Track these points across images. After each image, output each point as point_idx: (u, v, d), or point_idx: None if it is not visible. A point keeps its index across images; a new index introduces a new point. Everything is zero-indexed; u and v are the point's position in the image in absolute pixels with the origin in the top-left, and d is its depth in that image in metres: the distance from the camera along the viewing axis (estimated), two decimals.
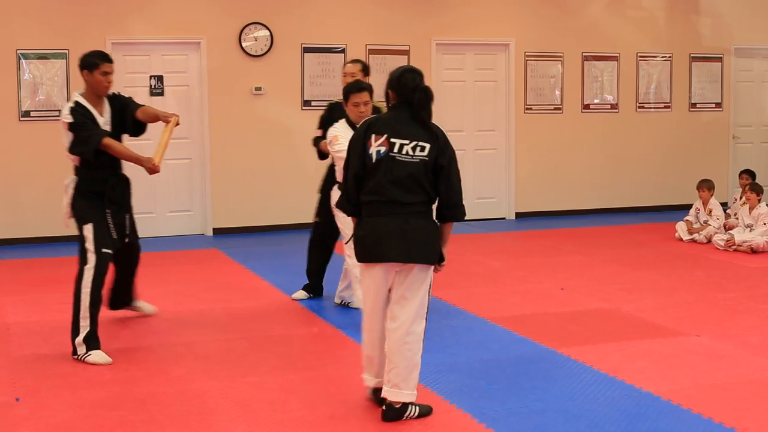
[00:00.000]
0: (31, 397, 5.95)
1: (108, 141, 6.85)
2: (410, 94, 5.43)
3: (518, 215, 14.15)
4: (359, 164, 5.45)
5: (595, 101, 14.65)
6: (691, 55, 15.08)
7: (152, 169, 6.88)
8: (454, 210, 5.48)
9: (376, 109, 7.97)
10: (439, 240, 5.46)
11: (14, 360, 6.81)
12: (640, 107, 14.89)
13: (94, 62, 6.96)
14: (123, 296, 7.74)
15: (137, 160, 6.93)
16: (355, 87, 7.57)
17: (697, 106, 15.24)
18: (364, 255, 5.48)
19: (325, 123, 8.34)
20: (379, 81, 13.28)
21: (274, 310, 8.27)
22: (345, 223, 7.41)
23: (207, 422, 5.49)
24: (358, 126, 5.79)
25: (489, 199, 14.02)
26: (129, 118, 7.10)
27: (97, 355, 6.68)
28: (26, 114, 12.07)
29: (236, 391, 6.04)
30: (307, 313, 8.21)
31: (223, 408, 5.72)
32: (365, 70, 8.44)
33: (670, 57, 14.95)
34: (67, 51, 12.11)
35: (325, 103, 13.32)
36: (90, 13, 12.21)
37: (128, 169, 7.20)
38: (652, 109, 14.97)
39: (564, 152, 14.46)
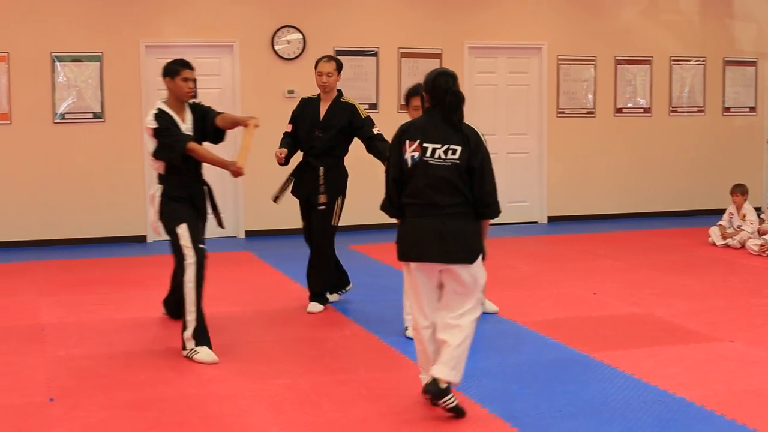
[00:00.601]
0: (66, 397, 6.00)
1: (193, 145, 6.94)
2: (442, 97, 5.53)
3: (550, 219, 14.11)
4: (397, 169, 5.62)
5: (628, 105, 14.59)
6: (725, 58, 15.00)
7: (237, 172, 6.95)
8: (487, 208, 5.58)
9: (347, 105, 8.31)
10: (479, 238, 5.59)
11: (49, 360, 6.85)
12: (673, 111, 14.82)
13: (176, 69, 7.11)
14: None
15: (222, 164, 7.02)
16: (416, 90, 7.57)
17: (731, 110, 15.16)
18: (404, 254, 5.65)
19: (296, 118, 8.46)
20: (411, 83, 13.30)
21: (304, 313, 8.28)
22: None
23: (239, 424, 5.52)
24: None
25: (521, 203, 13.99)
26: (209, 126, 7.18)
27: (204, 354, 6.74)
28: (61, 116, 12.15)
29: (268, 392, 6.06)
30: (339, 315, 8.23)
31: (255, 410, 5.75)
32: (339, 68, 8.39)
33: (703, 61, 14.88)
34: (101, 53, 12.19)
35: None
36: (124, 15, 12.28)
37: None
38: (686, 113, 14.89)
39: (596, 156, 14.42)
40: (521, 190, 14.01)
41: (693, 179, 14.91)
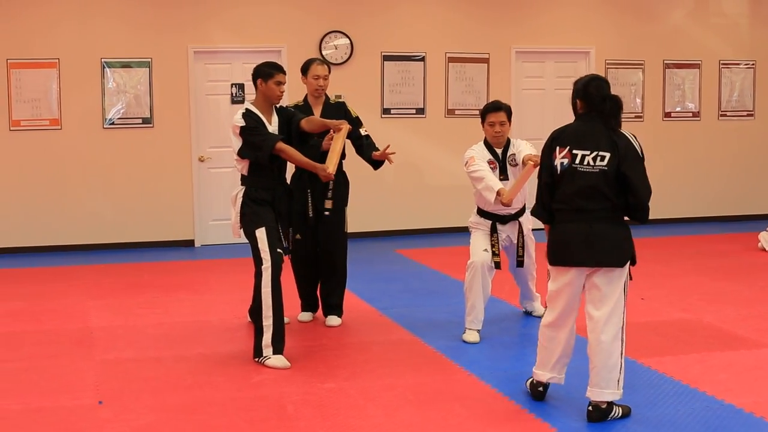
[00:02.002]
0: (114, 400, 6.05)
1: (282, 145, 6.96)
2: (600, 104, 5.61)
3: None
4: (548, 173, 5.71)
5: (677, 109, 14.49)
6: None
7: (326, 177, 6.98)
8: (636, 213, 5.65)
9: (339, 105, 8.08)
10: (628, 243, 5.65)
11: (98, 363, 6.92)
12: (722, 115, 14.69)
13: (269, 72, 7.13)
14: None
15: (311, 166, 7.04)
16: (493, 107, 7.55)
17: None
18: (554, 259, 5.71)
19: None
20: (458, 88, 13.40)
21: (353, 317, 8.29)
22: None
23: (286, 428, 5.54)
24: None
25: None
26: (294, 129, 7.20)
27: (276, 360, 6.77)
28: (110, 122, 12.26)
29: (315, 397, 6.08)
30: (386, 320, 8.23)
31: (302, 414, 5.77)
32: (329, 71, 8.20)
33: (753, 64, 14.74)
34: (150, 59, 12.29)
35: (404, 112, 13.31)
36: (173, 22, 12.38)
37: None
38: (735, 118, 14.76)
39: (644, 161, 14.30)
40: None
41: (742, 184, 14.78)
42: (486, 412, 5.80)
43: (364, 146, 8.06)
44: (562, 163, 5.60)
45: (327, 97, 8.10)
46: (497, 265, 7.47)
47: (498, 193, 7.18)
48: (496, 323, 7.93)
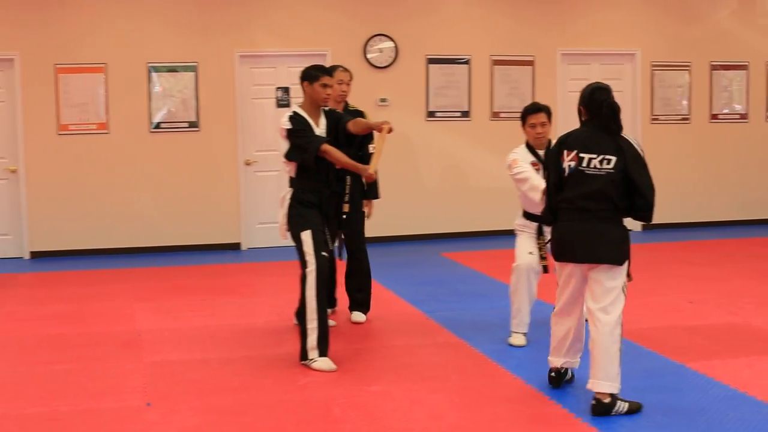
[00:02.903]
0: (162, 402, 6.09)
1: (327, 147, 6.99)
2: (598, 110, 5.83)
3: (644, 227, 13.94)
4: (556, 175, 5.95)
5: (724, 111, 14.37)
6: None
7: (369, 177, 7.00)
8: (643, 213, 5.86)
9: (349, 111, 8.01)
10: (625, 243, 5.83)
11: (145, 366, 6.96)
12: None
13: (315, 74, 7.17)
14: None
15: (354, 168, 7.07)
16: (533, 108, 7.53)
17: None
18: (557, 255, 5.99)
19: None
20: (503, 91, 13.37)
21: (398, 320, 8.30)
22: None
23: (332, 430, 5.54)
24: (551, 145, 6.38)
25: None
26: (341, 131, 7.23)
27: (323, 362, 6.78)
28: (157, 126, 12.35)
29: (361, 400, 6.08)
30: (431, 323, 8.22)
31: (348, 417, 5.77)
32: (350, 76, 8.27)
33: None
34: (195, 63, 12.37)
35: (449, 115, 13.32)
36: (218, 26, 12.45)
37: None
38: None
39: (692, 163, 14.22)
40: None
41: None
42: (532, 415, 5.77)
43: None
44: (569, 166, 5.83)
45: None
46: (545, 269, 7.44)
47: (544, 192, 7.16)
48: (543, 326, 7.86)
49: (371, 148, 7.79)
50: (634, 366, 6.75)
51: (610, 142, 5.78)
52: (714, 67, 14.24)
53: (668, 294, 9.30)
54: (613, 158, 5.73)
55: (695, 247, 12.27)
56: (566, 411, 5.80)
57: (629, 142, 5.84)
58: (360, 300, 8.35)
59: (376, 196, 8.44)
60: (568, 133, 6.01)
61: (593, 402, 5.74)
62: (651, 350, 7.17)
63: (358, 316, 8.31)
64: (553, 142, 7.60)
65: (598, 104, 5.82)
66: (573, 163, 5.81)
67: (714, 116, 14.32)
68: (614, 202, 5.74)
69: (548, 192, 6.07)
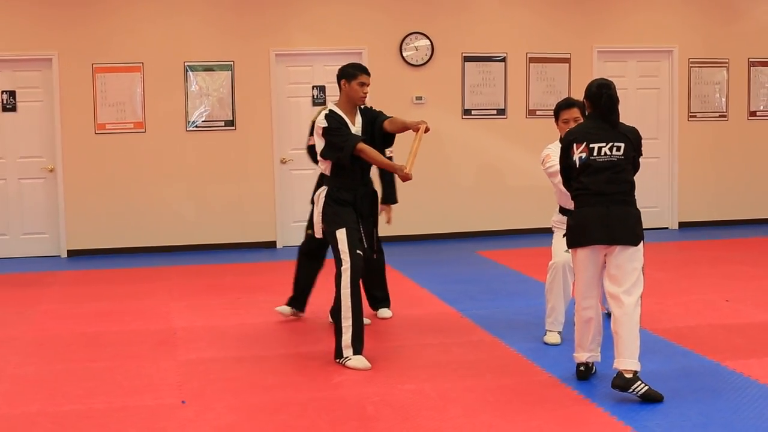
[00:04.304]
0: (197, 399, 6.11)
1: (362, 146, 7.01)
2: (598, 102, 6.16)
3: (681, 225, 13.87)
4: (566, 168, 6.30)
5: (762, 108, 14.25)
6: None
7: (405, 177, 6.98)
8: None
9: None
10: (640, 224, 6.22)
11: (180, 363, 6.99)
12: None
13: (353, 73, 7.24)
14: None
15: (390, 167, 7.12)
16: (565, 104, 7.49)
17: None
18: (573, 242, 6.24)
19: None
20: (539, 89, 13.33)
21: (432, 319, 8.30)
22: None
23: (366, 428, 5.55)
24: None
25: (652, 208, 13.73)
26: (378, 130, 7.24)
27: (357, 360, 6.79)
28: (193, 124, 12.41)
29: (395, 398, 6.08)
30: (466, 321, 8.21)
31: (382, 414, 5.77)
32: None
33: None
34: (232, 62, 12.41)
35: (485, 112, 13.30)
36: (254, 25, 12.49)
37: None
38: None
39: (729, 160, 14.12)
40: (652, 195, 13.76)
41: None
42: (567, 414, 5.75)
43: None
44: (581, 158, 6.13)
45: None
46: None
47: None
48: None
49: (388, 152, 7.77)
50: (670, 365, 6.72)
51: (615, 131, 6.13)
52: (752, 64, 14.13)
53: (705, 292, 9.23)
54: (622, 144, 6.11)
55: (733, 245, 12.19)
56: (601, 410, 5.77)
57: (633, 129, 6.25)
58: (380, 297, 8.42)
59: (394, 200, 8.46)
60: (574, 128, 6.37)
61: (615, 378, 5.96)
62: (687, 349, 7.13)
63: (384, 312, 8.37)
64: None
65: (599, 96, 6.14)
66: (584, 154, 6.12)
67: (752, 113, 14.20)
68: (627, 184, 6.13)
69: (566, 185, 6.39)
